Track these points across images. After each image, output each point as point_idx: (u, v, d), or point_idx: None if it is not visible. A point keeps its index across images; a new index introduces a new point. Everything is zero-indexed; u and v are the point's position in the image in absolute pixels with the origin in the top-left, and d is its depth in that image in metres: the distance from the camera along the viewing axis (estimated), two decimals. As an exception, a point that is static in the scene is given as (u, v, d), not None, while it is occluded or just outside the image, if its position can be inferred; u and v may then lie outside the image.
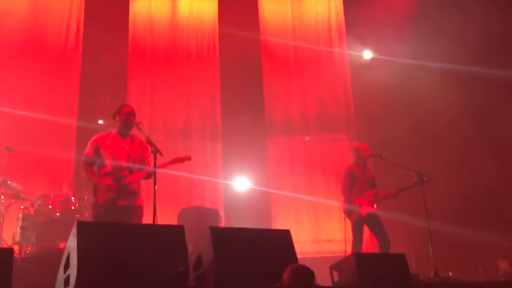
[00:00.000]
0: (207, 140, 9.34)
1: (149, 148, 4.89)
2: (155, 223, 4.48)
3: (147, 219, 5.12)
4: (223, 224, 7.96)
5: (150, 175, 5.00)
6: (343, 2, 10.00)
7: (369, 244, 7.72)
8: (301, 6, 10.05)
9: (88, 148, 5.07)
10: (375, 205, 6.31)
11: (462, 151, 8.31)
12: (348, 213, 6.31)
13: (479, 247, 7.59)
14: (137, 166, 5.06)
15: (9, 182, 6.83)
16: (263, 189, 9.00)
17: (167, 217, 7.23)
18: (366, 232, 6.41)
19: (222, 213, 8.29)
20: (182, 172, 8.69)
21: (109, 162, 4.97)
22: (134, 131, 5.16)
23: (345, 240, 6.60)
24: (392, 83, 8.77)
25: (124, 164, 4.98)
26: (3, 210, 6.73)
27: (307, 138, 9.21)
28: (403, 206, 7.16)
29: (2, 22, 8.84)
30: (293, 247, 3.99)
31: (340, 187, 6.48)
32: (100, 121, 8.93)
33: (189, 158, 5.28)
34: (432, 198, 6.15)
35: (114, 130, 5.16)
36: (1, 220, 6.66)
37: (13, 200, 6.95)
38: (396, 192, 6.33)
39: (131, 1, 9.77)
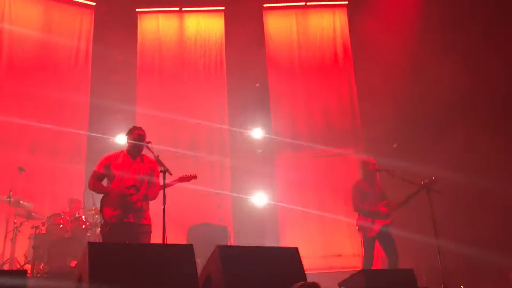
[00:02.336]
0: (215, 155, 9.41)
1: (158, 168, 4.96)
2: (165, 241, 4.52)
3: (155, 237, 5.17)
4: (231, 240, 7.98)
5: (156, 194, 5.07)
6: (348, 18, 10.10)
7: (378, 259, 7.69)
8: (306, 22, 10.18)
9: (98, 165, 5.18)
10: (389, 217, 6.25)
11: (474, 164, 8.23)
12: (364, 230, 6.28)
13: (491, 260, 7.52)
14: (144, 185, 5.14)
15: (21, 201, 6.95)
16: (272, 203, 9.03)
17: (176, 234, 7.28)
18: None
19: (230, 229, 8.32)
20: (194, 186, 8.82)
21: (117, 180, 5.06)
22: (144, 151, 5.25)
23: (360, 255, 6.55)
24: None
25: (132, 182, 5.06)
26: (15, 230, 6.84)
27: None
28: (413, 220, 7.14)
29: (15, 42, 9.03)
30: (301, 265, 4.01)
31: (351, 204, 6.45)
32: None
33: (195, 177, 5.37)
34: (442, 211, 6.13)
35: (125, 151, 5.27)
36: (14, 239, 6.76)
37: (25, 220, 7.07)
38: (406, 201, 6.28)
39: (139, 20, 9.97)
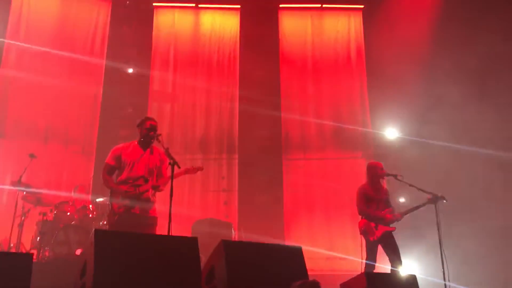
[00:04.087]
0: (224, 153, 9.46)
1: (168, 160, 5.01)
2: (170, 233, 4.56)
3: (161, 228, 5.22)
4: (236, 237, 8.01)
5: (157, 187, 5.13)
6: (363, 22, 10.08)
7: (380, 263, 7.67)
8: (321, 24, 10.17)
9: (109, 157, 5.26)
10: (391, 225, 6.26)
11: (485, 175, 8.19)
12: (365, 234, 6.27)
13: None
14: (153, 176, 5.19)
15: (31, 187, 7.03)
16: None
17: (181, 228, 7.30)
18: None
19: (235, 226, 8.35)
20: (198, 183, 8.89)
21: (127, 171, 5.14)
22: (154, 143, 5.30)
23: (362, 259, 6.54)
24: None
25: (141, 173, 5.11)
26: (23, 215, 6.92)
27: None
28: (417, 225, 7.13)
29: (32, 33, 9.13)
30: (304, 265, 4.02)
31: (356, 207, 6.44)
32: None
33: (201, 168, 5.40)
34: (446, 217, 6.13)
35: (135, 141, 5.33)
36: (21, 224, 6.84)
37: (34, 206, 7.15)
38: (411, 210, 6.29)
39: (155, 15, 10.03)
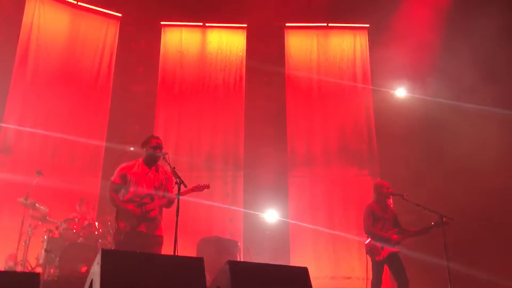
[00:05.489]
0: (229, 170, 9.47)
1: (174, 179, 5.03)
2: (176, 253, 4.56)
3: (166, 248, 5.22)
4: (241, 255, 7.98)
5: (171, 203, 5.14)
6: (369, 40, 10.15)
7: (388, 283, 7.61)
8: (327, 42, 10.26)
9: (115, 175, 5.28)
10: (398, 246, 6.22)
11: (487, 189, 8.15)
12: (371, 253, 6.24)
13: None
14: (160, 194, 5.21)
15: (37, 204, 7.07)
16: (283, 220, 9.02)
17: (186, 246, 7.30)
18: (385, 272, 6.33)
19: (241, 244, 8.33)
20: (204, 200, 8.89)
21: (133, 189, 5.15)
22: (160, 161, 5.33)
23: (367, 278, 6.51)
24: (415, 119, 8.81)
25: (147, 191, 5.13)
26: (29, 232, 6.95)
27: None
28: (423, 245, 7.08)
29: (42, 49, 9.26)
30: (310, 285, 4.00)
31: (362, 226, 6.42)
32: (132, 148, 9.16)
33: (208, 186, 5.42)
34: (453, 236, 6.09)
35: (141, 160, 5.35)
36: (27, 241, 6.85)
37: (40, 223, 7.18)
38: (417, 232, 6.26)
39: (162, 34, 10.17)
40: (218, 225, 9.03)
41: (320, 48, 10.17)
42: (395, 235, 6.17)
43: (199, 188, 5.36)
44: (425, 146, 8.95)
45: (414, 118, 8.96)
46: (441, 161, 8.74)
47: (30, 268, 6.80)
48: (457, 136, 8.36)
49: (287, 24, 10.30)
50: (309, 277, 4.04)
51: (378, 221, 6.28)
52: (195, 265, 3.71)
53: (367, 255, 6.32)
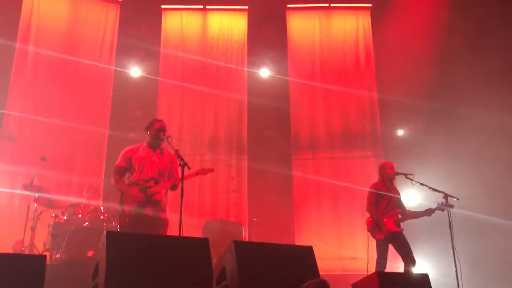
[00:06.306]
0: (233, 153, 9.47)
1: (178, 162, 5.02)
2: (181, 235, 4.58)
3: (172, 230, 5.24)
4: (246, 238, 8.02)
5: (176, 186, 5.14)
6: (371, 21, 10.04)
7: (393, 263, 7.64)
8: (329, 23, 10.16)
9: (120, 159, 5.27)
10: (400, 225, 6.24)
11: (498, 173, 8.10)
12: (373, 231, 6.26)
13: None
14: (164, 177, 5.21)
15: (42, 190, 7.09)
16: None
17: (191, 229, 7.36)
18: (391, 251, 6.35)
19: (246, 227, 8.37)
20: (208, 185, 8.92)
21: (137, 172, 5.16)
22: (164, 144, 5.33)
23: (368, 259, 6.53)
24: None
25: (151, 175, 5.14)
26: (35, 217, 6.99)
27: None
28: (429, 225, 7.09)
29: (42, 36, 9.22)
30: (315, 264, 4.02)
31: (365, 205, 6.44)
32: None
33: (212, 170, 5.40)
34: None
35: (145, 143, 5.35)
36: (34, 227, 6.90)
37: (45, 208, 7.22)
38: (424, 213, 6.26)
39: (163, 17, 10.09)
40: (222, 208, 9.07)
41: (322, 29, 10.07)
42: (390, 223, 6.15)
43: (203, 172, 5.35)
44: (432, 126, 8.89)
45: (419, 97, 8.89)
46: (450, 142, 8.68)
47: (37, 253, 6.86)
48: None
49: (288, 5, 10.20)
50: (314, 255, 4.06)
51: (382, 200, 6.28)
52: (200, 245, 3.73)
53: (368, 233, 6.34)
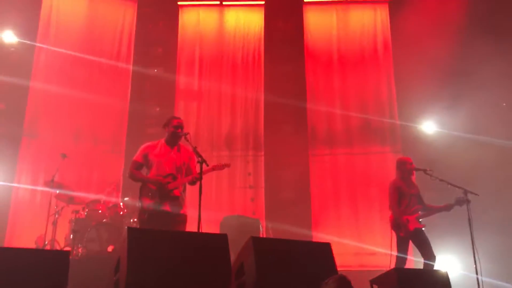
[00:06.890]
0: (249, 149, 9.49)
1: (196, 158, 5.05)
2: (199, 231, 4.62)
3: (190, 226, 5.28)
4: (264, 234, 8.04)
5: (194, 182, 5.16)
6: (389, 15, 9.93)
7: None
8: (347, 17, 10.07)
9: (138, 154, 5.33)
10: (421, 222, 6.19)
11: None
12: (396, 228, 6.21)
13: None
14: (182, 173, 5.25)
15: (63, 186, 7.22)
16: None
17: (209, 225, 7.37)
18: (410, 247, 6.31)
19: (263, 223, 8.38)
20: (225, 181, 8.96)
21: (154, 169, 5.20)
22: (181, 141, 5.36)
23: (391, 254, 6.48)
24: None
25: (169, 171, 5.18)
26: (57, 213, 7.12)
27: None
28: (450, 221, 7.02)
29: (61, 35, 9.35)
30: (333, 261, 4.02)
31: (387, 201, 6.37)
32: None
33: (228, 165, 5.43)
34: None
35: (163, 140, 5.40)
36: (55, 222, 7.03)
37: (66, 204, 7.35)
38: (443, 209, 6.22)
39: (180, 13, 10.13)
40: (240, 204, 9.10)
41: (339, 23, 9.99)
42: (413, 221, 6.10)
43: (219, 167, 5.37)
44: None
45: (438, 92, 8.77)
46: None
47: (59, 248, 6.99)
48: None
49: (305, 0, 10.13)
50: (332, 252, 4.06)
51: (404, 198, 6.22)
52: (219, 241, 3.76)
53: (392, 230, 6.28)
